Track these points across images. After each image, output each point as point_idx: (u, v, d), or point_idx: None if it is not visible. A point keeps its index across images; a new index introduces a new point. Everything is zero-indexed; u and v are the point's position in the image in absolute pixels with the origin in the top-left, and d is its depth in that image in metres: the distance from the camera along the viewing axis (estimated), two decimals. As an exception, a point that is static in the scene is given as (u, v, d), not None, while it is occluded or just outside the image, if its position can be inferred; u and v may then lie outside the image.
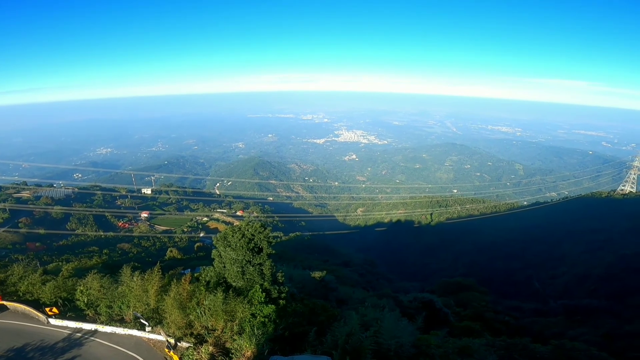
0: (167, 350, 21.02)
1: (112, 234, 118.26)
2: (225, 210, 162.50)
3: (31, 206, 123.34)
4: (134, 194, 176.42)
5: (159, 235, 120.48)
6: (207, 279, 25.26)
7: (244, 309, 20.92)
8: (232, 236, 24.87)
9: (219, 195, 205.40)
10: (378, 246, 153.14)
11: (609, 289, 66.92)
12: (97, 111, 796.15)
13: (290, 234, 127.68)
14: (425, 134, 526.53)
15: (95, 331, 23.55)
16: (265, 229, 25.87)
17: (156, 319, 23.28)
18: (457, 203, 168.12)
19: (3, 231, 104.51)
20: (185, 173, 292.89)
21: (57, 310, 25.61)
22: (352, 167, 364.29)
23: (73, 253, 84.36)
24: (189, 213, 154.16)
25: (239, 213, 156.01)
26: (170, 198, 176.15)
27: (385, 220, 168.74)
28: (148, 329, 22.81)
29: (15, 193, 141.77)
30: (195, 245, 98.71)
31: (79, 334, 23.33)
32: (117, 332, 23.39)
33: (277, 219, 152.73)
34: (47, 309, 25.35)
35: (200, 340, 20.74)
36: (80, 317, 25.16)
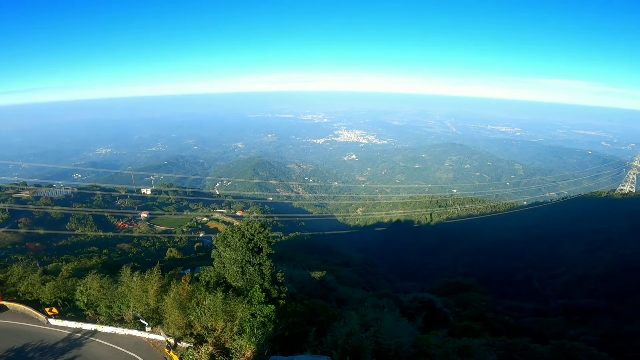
0: (167, 350, 21.02)
1: (111, 234, 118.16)
2: (225, 211, 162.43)
3: (31, 206, 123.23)
4: (134, 194, 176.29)
5: (158, 236, 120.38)
6: (207, 279, 25.25)
7: (243, 309, 20.92)
8: (232, 236, 24.87)
9: (219, 196, 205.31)
10: (378, 246, 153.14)
11: (609, 288, 66.91)
12: (97, 111, 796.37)
13: (290, 234, 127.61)
14: (425, 134, 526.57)
15: (95, 331, 23.55)
16: (265, 229, 25.89)
17: (156, 319, 23.27)
18: (457, 203, 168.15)
19: (3, 231, 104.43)
20: (185, 173, 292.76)
21: (57, 310, 25.62)
22: (352, 167, 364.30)
23: (73, 253, 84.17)
24: (189, 213, 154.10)
25: (238, 213, 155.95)
26: (169, 198, 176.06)
27: (385, 220, 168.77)
28: (148, 329, 22.80)
29: (14, 193, 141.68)
30: (195, 246, 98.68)
31: (79, 334, 23.33)
32: (116, 332, 23.39)
33: (277, 219, 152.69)
34: (47, 309, 25.36)
35: (200, 341, 20.74)
36: (80, 317, 25.16)
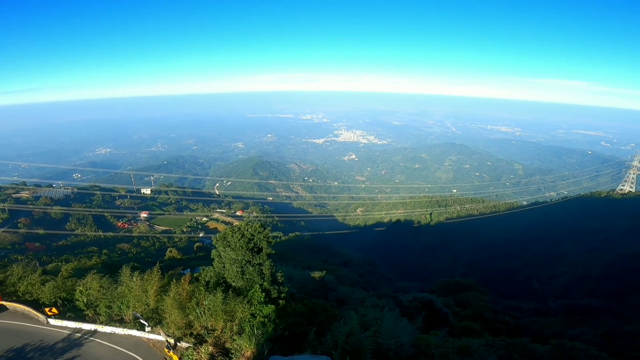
0: (166, 350, 21.02)
1: (111, 234, 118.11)
2: (224, 210, 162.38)
3: (30, 206, 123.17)
4: (134, 194, 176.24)
5: (158, 236, 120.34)
6: (207, 279, 25.25)
7: (243, 309, 20.92)
8: (232, 236, 24.87)
9: (219, 196, 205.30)
10: (377, 246, 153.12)
11: (608, 288, 66.92)
12: (96, 111, 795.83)
13: (289, 234, 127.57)
14: (425, 134, 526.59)
15: (95, 331, 23.55)
16: (264, 229, 25.89)
17: (156, 319, 23.27)
18: (457, 203, 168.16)
19: (2, 231, 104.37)
20: (185, 173, 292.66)
21: (57, 310, 25.62)
22: (352, 167, 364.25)
23: (72, 253, 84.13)
24: (189, 213, 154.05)
25: (238, 213, 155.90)
26: (169, 198, 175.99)
27: (385, 220, 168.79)
28: (148, 329, 22.80)
29: (14, 193, 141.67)
30: (195, 246, 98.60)
31: (79, 334, 23.33)
32: (116, 332, 23.39)
33: (277, 219, 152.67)
34: (47, 309, 25.36)
35: (199, 341, 20.74)
36: (80, 317, 25.16)
